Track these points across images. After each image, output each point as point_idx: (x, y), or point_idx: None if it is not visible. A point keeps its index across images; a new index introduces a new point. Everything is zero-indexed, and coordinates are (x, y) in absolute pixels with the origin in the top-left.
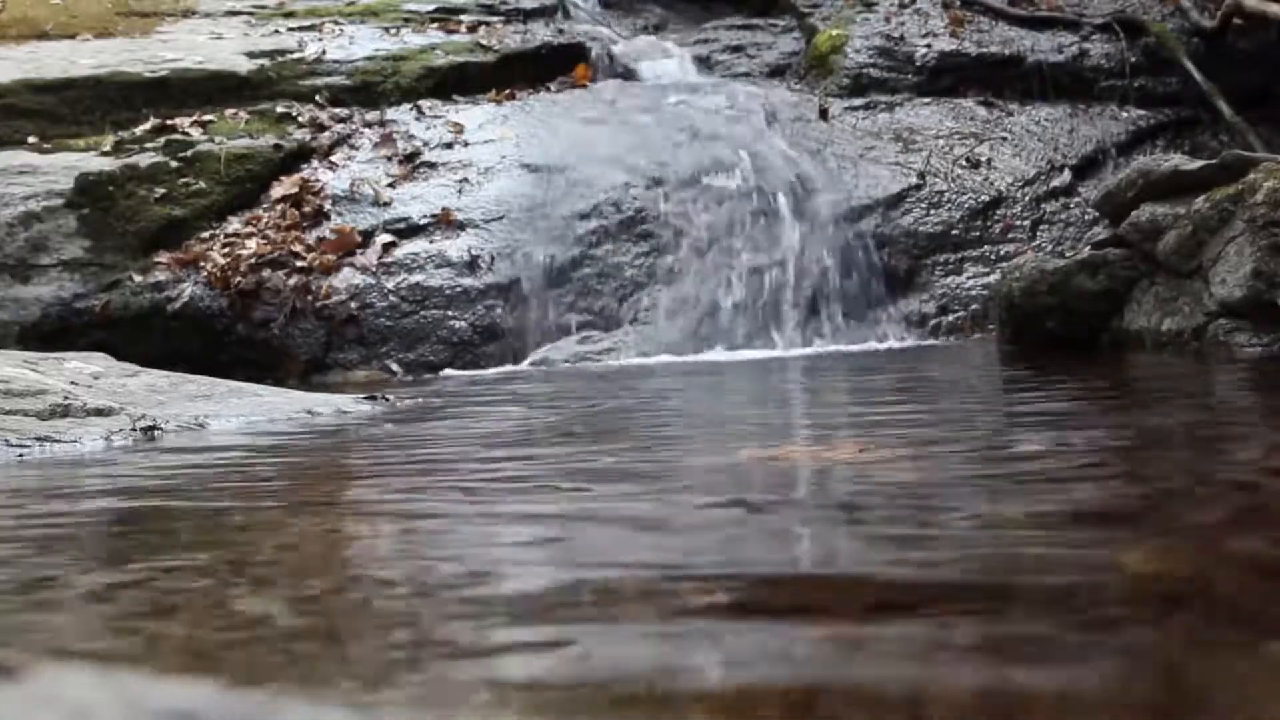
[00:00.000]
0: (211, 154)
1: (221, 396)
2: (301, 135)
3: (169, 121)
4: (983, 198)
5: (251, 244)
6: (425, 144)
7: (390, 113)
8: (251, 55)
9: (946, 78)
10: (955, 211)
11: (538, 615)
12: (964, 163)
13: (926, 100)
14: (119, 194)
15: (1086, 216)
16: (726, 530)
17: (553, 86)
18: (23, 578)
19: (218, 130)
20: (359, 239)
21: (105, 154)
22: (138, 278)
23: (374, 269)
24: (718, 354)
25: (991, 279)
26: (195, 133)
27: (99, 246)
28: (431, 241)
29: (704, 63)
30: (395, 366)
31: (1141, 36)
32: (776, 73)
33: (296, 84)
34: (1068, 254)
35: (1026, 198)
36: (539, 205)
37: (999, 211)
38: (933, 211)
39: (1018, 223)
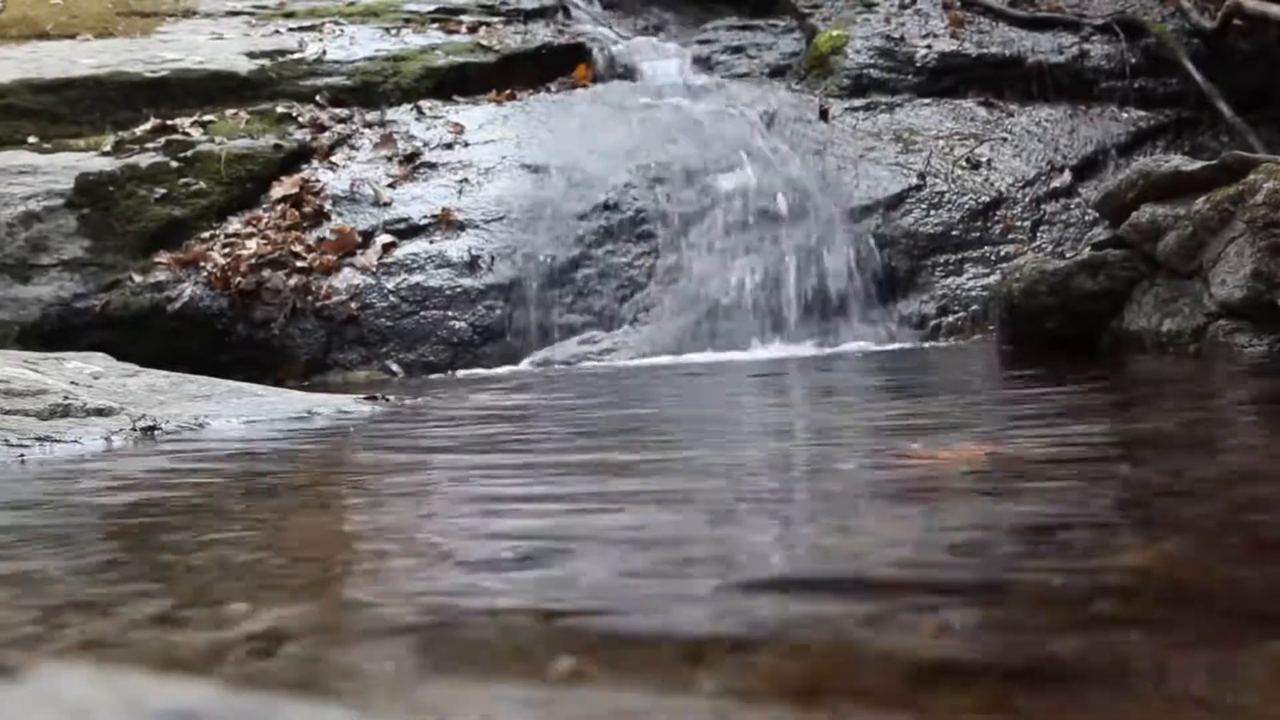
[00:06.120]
0: (211, 154)
1: (221, 396)
2: (302, 135)
3: (169, 121)
4: (983, 198)
5: (251, 244)
6: (425, 144)
7: (390, 113)
8: (252, 55)
9: (947, 78)
10: (955, 212)
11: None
12: (964, 163)
13: (927, 101)
14: (119, 194)
15: (1087, 217)
16: None
17: (553, 87)
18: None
19: (218, 130)
20: (359, 239)
21: (105, 154)
22: (138, 278)
23: (374, 269)
24: (719, 355)
25: (991, 280)
26: (195, 133)
27: (99, 246)
28: (431, 242)
29: (704, 63)
30: (395, 367)
31: (1142, 37)
32: (777, 73)
33: (297, 84)
34: (1068, 255)
35: (1027, 198)
36: (539, 205)
37: (999, 212)
38: (933, 212)
39: (1018, 223)
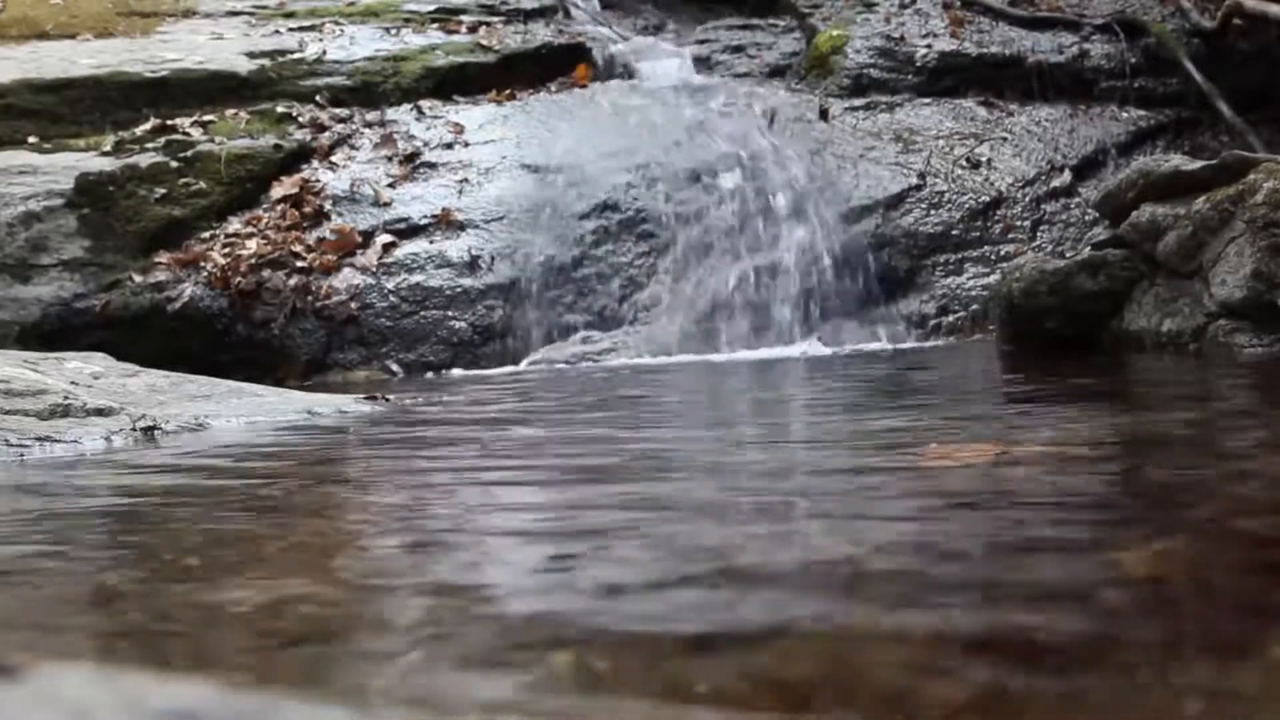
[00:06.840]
0: (212, 154)
1: (221, 397)
2: (302, 135)
3: (169, 121)
4: (983, 198)
5: (252, 244)
6: (425, 144)
7: (390, 113)
8: (252, 55)
9: (947, 78)
10: (955, 212)
11: None
12: (964, 163)
13: (927, 101)
14: (119, 194)
15: (1087, 217)
16: None
17: (553, 87)
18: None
19: (218, 130)
20: (359, 239)
21: (105, 154)
22: (138, 278)
23: (374, 269)
24: (718, 354)
25: (991, 279)
26: (195, 133)
27: (99, 246)
28: (431, 242)
29: (704, 63)
30: (395, 367)
31: (1142, 37)
32: (777, 73)
33: (297, 84)
34: (1068, 254)
35: (1027, 198)
36: (539, 205)
37: (999, 212)
38: (933, 212)
39: (1018, 223)
